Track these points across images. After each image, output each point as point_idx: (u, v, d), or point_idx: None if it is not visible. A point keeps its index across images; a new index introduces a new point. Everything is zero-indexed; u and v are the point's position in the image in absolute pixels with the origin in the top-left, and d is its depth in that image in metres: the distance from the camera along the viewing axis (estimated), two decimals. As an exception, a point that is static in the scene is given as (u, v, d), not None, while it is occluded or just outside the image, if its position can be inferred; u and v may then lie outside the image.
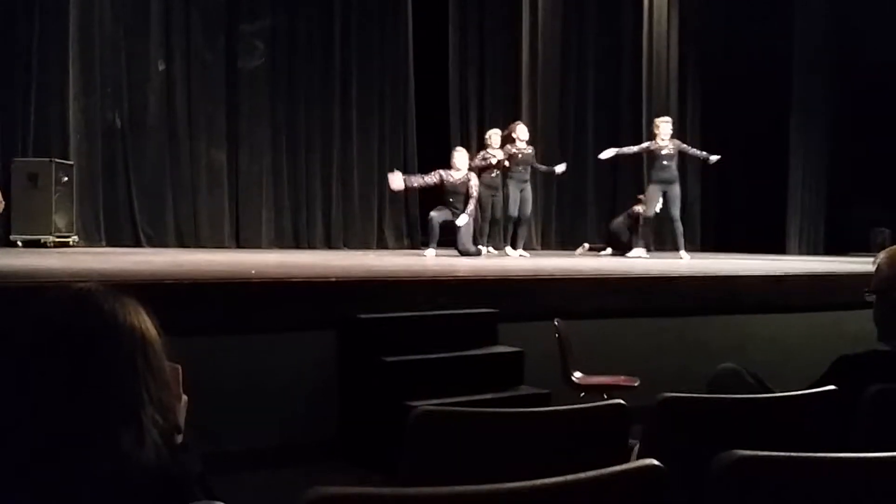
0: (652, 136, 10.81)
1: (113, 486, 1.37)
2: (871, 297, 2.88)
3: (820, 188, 13.74)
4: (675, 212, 10.74)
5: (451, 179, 10.17)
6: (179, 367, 1.61)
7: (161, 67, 10.97)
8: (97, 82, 10.52)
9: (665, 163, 10.56)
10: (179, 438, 1.55)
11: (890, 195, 12.59)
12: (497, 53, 13.23)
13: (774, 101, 13.66)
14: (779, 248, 13.22)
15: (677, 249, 10.82)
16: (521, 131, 10.77)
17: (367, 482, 4.60)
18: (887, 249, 2.93)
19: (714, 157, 10.97)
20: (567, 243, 13.43)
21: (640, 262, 9.87)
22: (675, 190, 10.67)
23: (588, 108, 13.91)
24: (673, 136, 10.76)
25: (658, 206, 10.86)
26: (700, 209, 14.71)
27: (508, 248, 10.89)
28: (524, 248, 10.91)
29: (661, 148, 10.56)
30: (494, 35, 13.20)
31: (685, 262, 9.93)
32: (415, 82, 12.49)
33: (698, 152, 11.16)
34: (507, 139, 10.79)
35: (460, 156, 10.35)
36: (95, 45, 10.48)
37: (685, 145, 10.91)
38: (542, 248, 13.15)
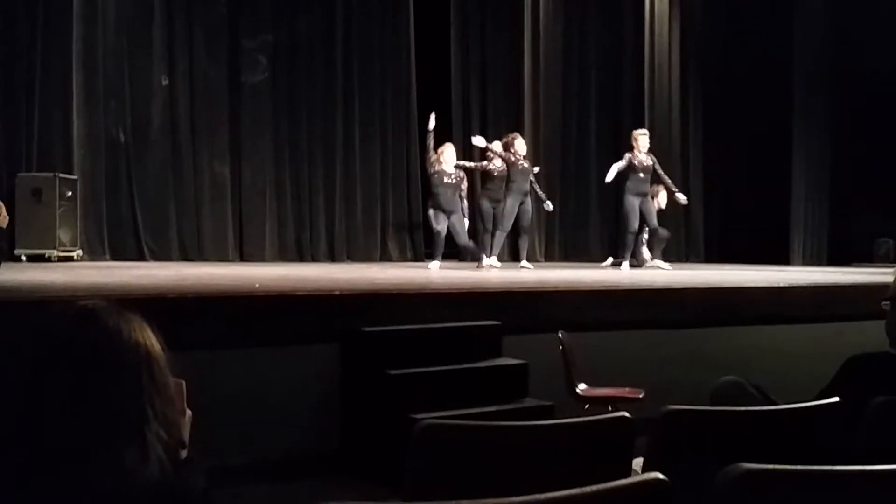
0: (629, 148, 10.84)
1: (116, 502, 1.37)
2: (887, 306, 2.88)
3: (823, 198, 13.73)
4: (654, 222, 10.95)
5: (441, 169, 10.25)
6: (183, 383, 1.61)
7: (164, 82, 11.01)
8: (101, 97, 10.55)
9: (642, 175, 10.68)
10: (184, 454, 1.56)
11: (893, 205, 12.58)
12: (499, 60, 13.25)
13: (776, 109, 13.66)
14: (782, 258, 13.20)
15: (657, 258, 11.04)
16: (520, 145, 10.70)
17: (371, 495, 4.60)
18: None
19: (683, 199, 11.17)
20: (571, 254, 13.43)
21: (643, 273, 9.87)
22: (648, 203, 10.86)
23: (591, 115, 13.93)
24: (650, 151, 10.87)
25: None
26: (703, 220, 14.71)
27: (494, 259, 10.86)
28: (527, 259, 10.89)
29: (642, 161, 10.65)
30: (496, 42, 13.22)
31: (670, 272, 10.03)
32: (417, 90, 12.51)
33: (669, 182, 11.17)
34: (505, 149, 10.79)
35: (450, 151, 10.42)
36: (99, 61, 10.52)
37: (660, 168, 10.94)
38: (546, 260, 13.13)
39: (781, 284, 7.72)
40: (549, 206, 11.21)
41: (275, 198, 11.61)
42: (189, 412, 1.66)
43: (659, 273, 10.07)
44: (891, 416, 2.44)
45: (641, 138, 10.80)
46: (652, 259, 11.14)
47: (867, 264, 12.22)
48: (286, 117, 11.72)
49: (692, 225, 14.62)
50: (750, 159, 14.14)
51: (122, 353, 1.46)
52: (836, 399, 2.52)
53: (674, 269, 10.80)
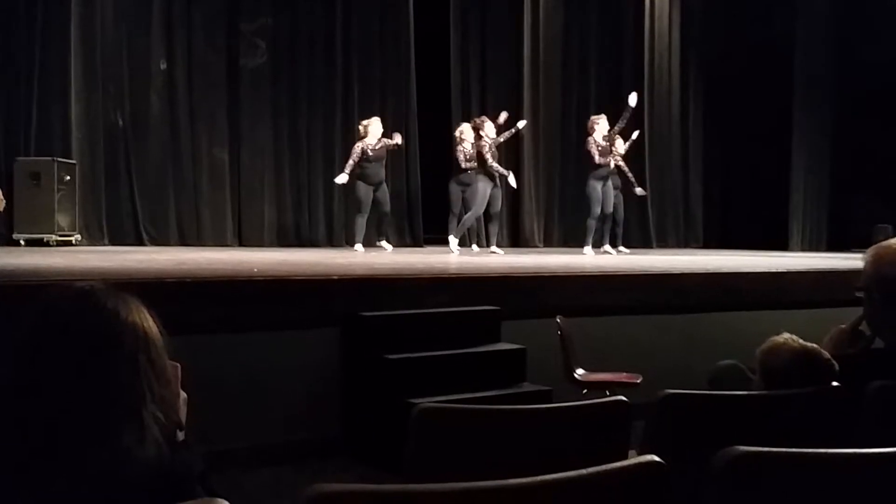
0: (590, 132, 10.77)
1: (114, 483, 1.37)
2: (860, 294, 2.87)
3: (822, 185, 13.73)
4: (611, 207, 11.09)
5: (372, 146, 10.29)
6: (179, 366, 1.61)
7: (163, 66, 10.98)
8: (99, 81, 10.53)
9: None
10: (181, 436, 1.56)
11: (893, 191, 12.58)
12: (499, 53, 13.21)
13: (776, 97, 13.65)
14: (781, 244, 13.22)
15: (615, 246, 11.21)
16: (489, 128, 10.58)
17: (370, 479, 4.61)
18: (874, 247, 2.90)
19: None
20: (569, 240, 13.43)
21: (641, 259, 9.87)
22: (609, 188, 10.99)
23: (590, 107, 13.88)
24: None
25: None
26: (703, 206, 14.71)
27: (475, 246, 10.79)
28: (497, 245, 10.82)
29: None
30: (496, 34, 13.19)
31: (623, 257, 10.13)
32: (416, 80, 12.48)
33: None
34: (475, 132, 10.66)
35: (376, 124, 10.45)
36: (97, 44, 10.50)
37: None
38: (545, 246, 13.14)
39: (780, 269, 7.73)
40: (512, 181, 10.92)
41: (273, 183, 11.60)
42: (184, 395, 1.66)
43: (657, 258, 10.07)
44: (887, 401, 2.44)
45: (602, 122, 10.83)
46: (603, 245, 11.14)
47: (866, 250, 12.21)
48: (285, 102, 11.69)
49: (691, 211, 14.63)
50: (749, 145, 14.14)
51: (120, 334, 1.46)
52: (835, 384, 2.53)
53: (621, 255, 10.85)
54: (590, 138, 10.68)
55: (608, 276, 6.94)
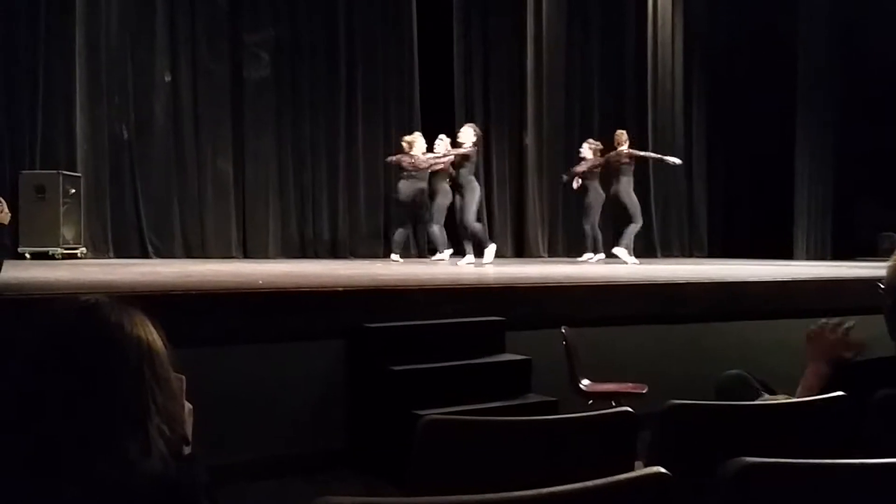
0: (612, 148, 11.05)
1: (119, 496, 1.37)
2: (882, 292, 2.86)
3: (826, 193, 13.70)
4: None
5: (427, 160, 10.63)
6: (184, 378, 1.61)
7: (167, 79, 11.02)
8: (104, 94, 10.56)
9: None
10: (188, 449, 1.56)
11: (896, 198, 12.58)
12: (502, 62, 13.23)
13: (780, 105, 13.65)
14: (786, 253, 13.20)
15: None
16: (464, 134, 10.47)
17: (375, 491, 4.62)
18: None
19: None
20: (573, 250, 13.41)
21: (646, 268, 9.85)
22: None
23: (594, 115, 13.91)
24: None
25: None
26: (706, 214, 14.70)
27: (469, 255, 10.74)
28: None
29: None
30: (499, 44, 13.21)
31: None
32: (420, 91, 12.51)
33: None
34: (454, 143, 10.58)
35: (421, 140, 10.72)
36: (102, 57, 10.53)
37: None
38: (549, 256, 13.14)
39: (785, 278, 7.72)
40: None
41: (278, 194, 11.62)
42: (189, 405, 1.66)
43: (662, 267, 10.06)
44: (893, 410, 2.43)
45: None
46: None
47: (871, 258, 12.20)
48: (289, 113, 11.72)
49: (696, 220, 14.61)
50: (753, 153, 14.14)
51: (124, 347, 1.47)
52: (841, 393, 2.52)
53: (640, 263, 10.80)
54: (622, 149, 10.97)
55: (613, 286, 6.93)
